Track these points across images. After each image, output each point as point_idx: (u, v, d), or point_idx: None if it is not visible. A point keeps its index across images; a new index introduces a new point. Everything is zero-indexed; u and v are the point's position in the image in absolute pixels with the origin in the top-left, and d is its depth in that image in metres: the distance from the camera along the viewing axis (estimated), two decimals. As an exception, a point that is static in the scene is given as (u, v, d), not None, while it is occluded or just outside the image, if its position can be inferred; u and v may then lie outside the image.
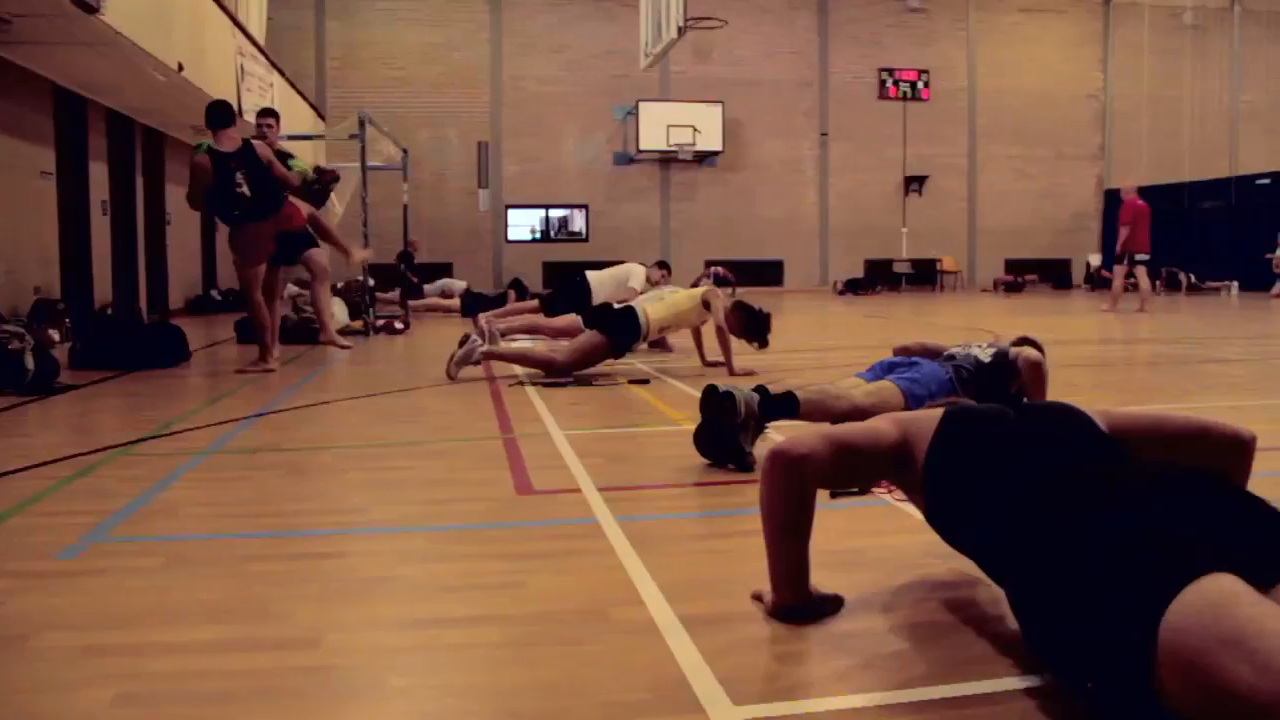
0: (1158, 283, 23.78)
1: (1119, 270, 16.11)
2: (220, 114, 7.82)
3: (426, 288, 17.16)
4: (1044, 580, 1.91)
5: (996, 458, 2.26)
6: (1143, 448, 2.37)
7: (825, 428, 2.49)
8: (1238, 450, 2.49)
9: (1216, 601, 1.51)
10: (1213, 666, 1.45)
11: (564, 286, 10.97)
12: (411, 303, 14.50)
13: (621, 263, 11.06)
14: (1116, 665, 1.65)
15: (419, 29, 24.38)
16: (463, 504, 3.65)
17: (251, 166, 7.71)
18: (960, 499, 2.29)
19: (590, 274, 10.41)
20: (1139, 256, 15.88)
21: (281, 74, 15.49)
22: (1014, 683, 2.07)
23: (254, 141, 8.02)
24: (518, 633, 2.35)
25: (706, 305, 7.61)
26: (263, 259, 8.05)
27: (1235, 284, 22.58)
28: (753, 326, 7.55)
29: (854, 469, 2.49)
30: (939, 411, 2.49)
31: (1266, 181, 24.06)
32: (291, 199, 8.88)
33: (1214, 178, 26.31)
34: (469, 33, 24.65)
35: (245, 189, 7.65)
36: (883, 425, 2.48)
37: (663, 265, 11.71)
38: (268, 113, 9.56)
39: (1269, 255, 21.42)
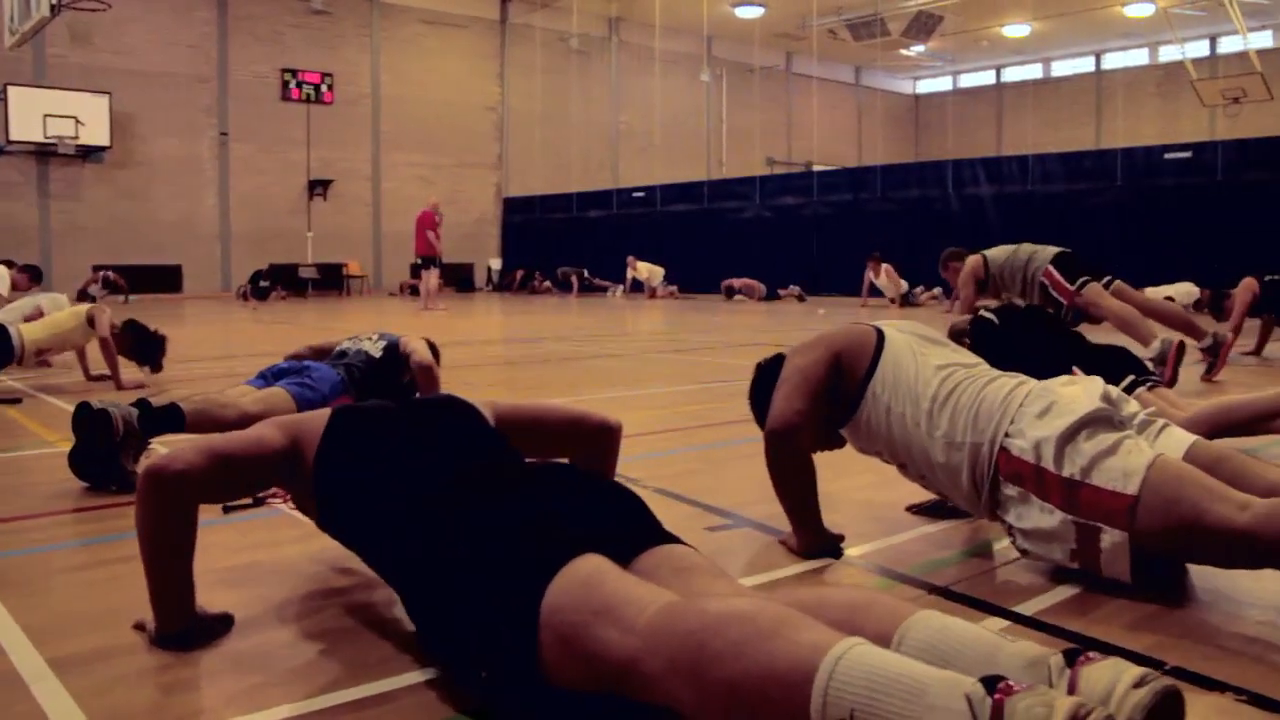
0: (546, 282, 25.61)
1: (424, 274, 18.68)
2: None
3: None
4: (432, 579, 1.98)
5: (385, 458, 2.27)
6: (525, 438, 2.59)
7: (207, 439, 2.36)
8: (607, 436, 2.89)
9: (586, 579, 1.71)
10: (588, 636, 1.63)
11: None
12: None
13: None
14: (504, 650, 1.76)
15: None
16: None
17: None
18: (351, 501, 2.27)
19: None
20: (420, 259, 18.62)
21: None
22: (414, 678, 2.11)
23: None
24: None
25: (91, 322, 7.00)
26: None
27: (620, 287, 24.71)
28: (142, 349, 7.02)
29: (237, 480, 2.40)
30: (327, 412, 2.46)
31: (641, 194, 26.81)
32: None
33: (599, 189, 28.77)
34: None
35: None
36: (267, 431, 2.40)
37: (30, 269, 10.67)
38: None
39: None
